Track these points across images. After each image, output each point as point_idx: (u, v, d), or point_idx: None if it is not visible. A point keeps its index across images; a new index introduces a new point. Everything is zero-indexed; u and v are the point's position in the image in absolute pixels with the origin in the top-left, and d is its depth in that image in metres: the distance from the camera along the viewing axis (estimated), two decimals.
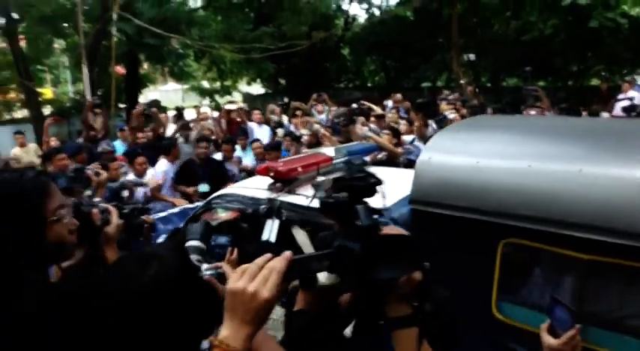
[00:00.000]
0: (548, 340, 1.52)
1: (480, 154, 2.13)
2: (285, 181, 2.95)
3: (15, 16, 13.18)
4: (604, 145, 1.98)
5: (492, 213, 1.91)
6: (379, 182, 1.17)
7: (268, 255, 0.95)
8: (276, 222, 2.78)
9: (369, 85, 22.13)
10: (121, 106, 15.88)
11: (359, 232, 1.04)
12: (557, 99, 10.78)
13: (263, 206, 2.84)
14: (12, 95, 18.08)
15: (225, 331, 0.90)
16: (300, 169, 2.97)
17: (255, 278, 0.91)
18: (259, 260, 0.94)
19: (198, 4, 17.23)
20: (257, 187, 3.04)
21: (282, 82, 20.63)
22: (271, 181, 3.00)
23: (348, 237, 1.04)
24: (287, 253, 0.95)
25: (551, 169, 1.83)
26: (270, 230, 2.78)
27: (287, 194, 2.84)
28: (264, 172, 3.13)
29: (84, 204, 1.76)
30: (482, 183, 1.98)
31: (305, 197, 2.71)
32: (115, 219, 1.74)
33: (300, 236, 2.49)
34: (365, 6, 20.02)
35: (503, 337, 1.89)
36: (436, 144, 2.43)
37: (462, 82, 12.23)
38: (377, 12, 20.17)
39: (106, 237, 1.72)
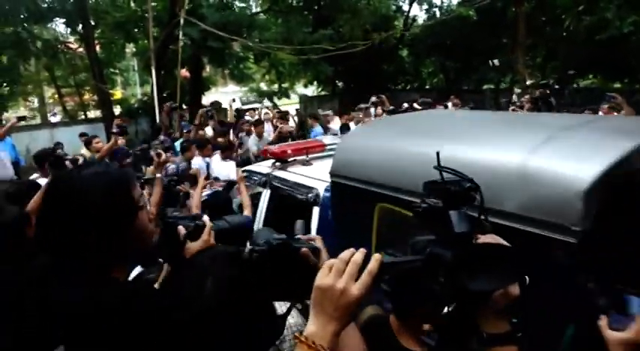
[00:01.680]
0: (614, 335, 1.48)
1: (371, 140, 2.80)
2: (280, 160, 3.89)
3: (91, 22, 14.10)
4: (456, 133, 2.47)
5: (372, 183, 2.48)
6: (475, 187, 1.08)
7: (352, 250, 0.93)
8: (268, 192, 3.67)
9: (427, 87, 21.65)
10: (184, 107, 16.56)
11: (452, 240, 0.98)
12: (634, 102, 9.98)
13: (260, 178, 3.83)
14: (87, 96, 19.40)
15: (311, 327, 0.89)
16: (289, 152, 3.95)
17: (342, 274, 0.90)
18: (344, 255, 0.92)
19: (259, 8, 17.64)
20: (266, 166, 4.01)
21: (340, 84, 20.64)
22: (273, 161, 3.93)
23: (440, 244, 0.99)
24: (377, 255, 0.93)
25: (411, 150, 2.37)
26: (264, 199, 3.70)
27: (280, 170, 3.76)
28: (265, 154, 4.37)
29: (170, 216, 1.56)
30: (368, 161, 2.59)
31: (294, 173, 3.60)
32: (206, 234, 1.48)
33: (299, 225, 2.88)
34: (425, 6, 19.60)
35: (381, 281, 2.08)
36: (350, 133, 3.44)
37: (527, 82, 11.65)
38: (437, 12, 19.69)
39: (188, 253, 1.47)
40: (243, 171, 4.05)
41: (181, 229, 1.49)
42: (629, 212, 1.72)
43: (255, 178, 3.94)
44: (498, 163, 1.92)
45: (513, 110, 7.92)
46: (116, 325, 1.09)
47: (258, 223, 3.64)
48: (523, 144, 1.93)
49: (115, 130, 4.59)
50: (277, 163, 3.89)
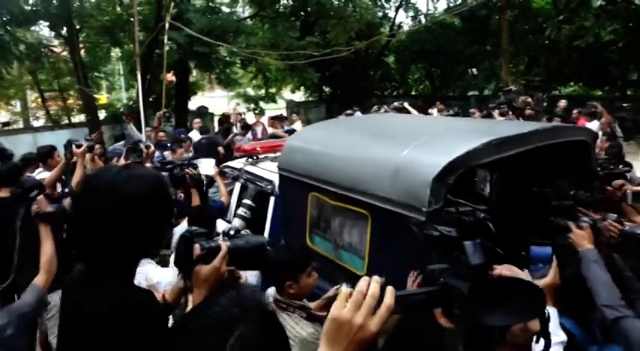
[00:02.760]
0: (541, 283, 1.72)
1: (309, 140, 3.33)
2: (250, 157, 4.45)
3: (76, 26, 13.96)
4: (369, 137, 2.94)
5: (307, 176, 2.95)
6: (488, 219, 1.08)
7: (366, 279, 0.90)
8: (239, 184, 4.20)
9: (413, 93, 21.85)
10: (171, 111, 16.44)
11: (467, 272, 0.96)
12: (614, 109, 10.20)
13: (234, 173, 4.37)
14: (70, 101, 19.15)
15: None
16: (259, 149, 4.57)
17: (360, 308, 0.87)
18: (361, 287, 0.89)
19: (246, 13, 17.65)
20: (241, 162, 4.54)
21: (326, 90, 20.72)
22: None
23: (455, 275, 0.96)
24: (390, 288, 0.90)
25: (336, 152, 2.86)
26: (235, 191, 4.22)
27: (251, 165, 4.26)
28: (238, 151, 5.13)
29: (190, 231, 1.49)
30: (305, 157, 3.07)
31: (259, 168, 4.12)
32: (217, 261, 1.40)
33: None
34: (411, 13, 19.83)
35: (314, 261, 2.49)
36: (296, 133, 4.35)
37: (512, 87, 11.81)
38: (423, 19, 19.93)
39: (197, 277, 1.39)
40: (223, 167, 4.67)
41: (196, 249, 1.43)
42: (470, 195, 2.25)
43: (230, 172, 4.51)
44: (383, 157, 2.43)
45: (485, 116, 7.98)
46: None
47: (230, 213, 4.17)
48: (408, 143, 2.40)
49: (76, 145, 3.84)
50: (249, 160, 4.42)
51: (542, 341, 1.04)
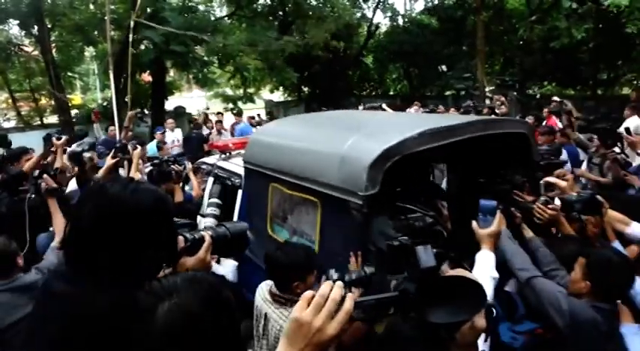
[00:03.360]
0: (482, 231, 2.05)
1: (270, 134, 3.54)
2: (223, 153, 4.63)
3: (47, 25, 13.61)
4: (322, 130, 3.17)
5: (268, 168, 3.13)
6: (437, 223, 1.12)
7: (329, 284, 0.92)
8: (211, 179, 4.34)
9: (391, 93, 22.02)
10: (146, 112, 16.18)
11: (418, 275, 1.00)
12: (585, 108, 10.48)
13: (207, 168, 4.59)
14: (43, 101, 18.66)
15: None
16: (231, 145, 4.74)
17: (321, 311, 0.89)
18: (324, 290, 0.91)
19: (224, 12, 17.51)
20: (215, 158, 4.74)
21: (305, 89, 20.72)
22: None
23: (410, 280, 1.00)
24: (351, 295, 0.93)
25: (292, 145, 3.04)
26: (208, 185, 4.37)
27: (224, 161, 4.45)
28: (211, 147, 5.75)
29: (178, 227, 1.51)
30: (266, 150, 3.26)
31: (230, 163, 4.32)
32: (202, 252, 1.45)
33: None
34: (389, 14, 19.96)
35: (273, 249, 2.58)
36: (260, 128, 4.36)
37: (486, 89, 12.03)
38: (400, 20, 20.10)
39: (182, 268, 1.42)
40: (198, 163, 4.93)
41: (180, 241, 1.44)
42: (405, 180, 2.52)
43: (204, 167, 4.73)
44: (331, 148, 2.63)
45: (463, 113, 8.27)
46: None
47: (204, 206, 4.33)
48: (353, 134, 2.61)
49: (57, 137, 4.37)
50: (223, 155, 4.60)
51: (489, 340, 1.07)
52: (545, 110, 7.95)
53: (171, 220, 1.36)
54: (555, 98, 7.63)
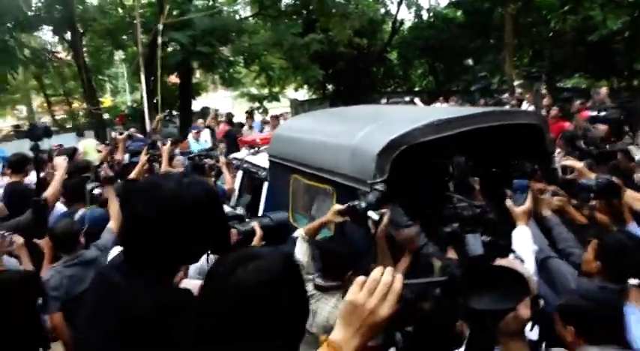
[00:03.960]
0: (517, 209, 2.17)
1: (292, 129, 3.76)
2: (252, 148, 4.87)
3: (79, 30, 14.04)
4: (338, 123, 3.37)
5: (289, 160, 3.35)
6: (486, 212, 1.14)
7: (380, 268, 0.97)
8: (241, 172, 4.61)
9: (417, 89, 21.77)
10: (174, 113, 16.51)
11: (467, 262, 1.03)
12: (620, 99, 10.13)
13: (237, 162, 4.83)
14: (75, 105, 19.28)
15: (338, 335, 0.95)
16: (259, 141, 5.04)
17: (373, 294, 0.95)
18: (375, 274, 0.96)
19: (248, 12, 17.67)
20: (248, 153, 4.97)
21: (330, 87, 20.70)
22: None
23: (459, 266, 1.05)
24: (399, 276, 0.98)
25: (310, 139, 3.21)
26: (238, 178, 4.63)
27: (253, 155, 4.66)
28: (241, 142, 5.98)
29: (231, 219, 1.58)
30: (288, 144, 3.48)
31: (257, 157, 4.49)
32: (256, 243, 1.57)
33: None
34: (413, 9, 19.73)
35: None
36: (283, 123, 4.70)
37: (514, 83, 11.71)
38: (425, 15, 19.83)
39: None
40: (230, 158, 5.14)
41: (234, 234, 1.55)
42: (411, 169, 2.59)
43: (235, 162, 4.94)
44: (345, 140, 2.76)
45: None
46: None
47: (235, 198, 4.63)
48: (365, 126, 2.74)
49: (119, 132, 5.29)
50: (252, 150, 4.83)
51: (536, 328, 1.08)
52: (578, 102, 7.72)
53: (222, 211, 1.41)
54: (598, 90, 7.36)
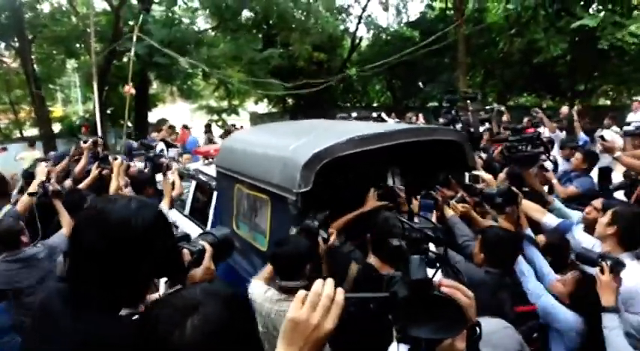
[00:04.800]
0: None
1: (236, 141, 3.93)
2: (206, 158, 5.23)
3: (28, 36, 13.45)
4: (276, 137, 3.53)
5: (233, 171, 3.52)
6: (437, 237, 1.15)
7: (320, 281, 0.94)
8: (194, 182, 4.97)
9: (374, 104, 22.23)
10: (129, 124, 16.04)
11: (409, 284, 1.01)
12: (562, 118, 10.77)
13: (190, 172, 5.18)
14: (22, 114, 18.36)
15: None
16: (212, 152, 5.44)
17: (316, 308, 0.91)
18: (317, 288, 0.93)
19: (207, 25, 17.54)
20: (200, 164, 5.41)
21: (290, 101, 20.78)
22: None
23: (404, 284, 1.01)
24: (341, 290, 0.95)
25: (256, 151, 3.31)
26: (191, 188, 4.96)
27: (206, 166, 5.01)
28: (196, 153, 7.02)
29: (179, 241, 1.56)
30: (233, 155, 3.63)
31: (209, 168, 4.81)
32: (207, 261, 1.53)
33: None
34: (372, 29, 20.24)
35: (240, 244, 3.16)
36: (230, 136, 4.70)
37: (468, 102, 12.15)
38: (383, 34, 20.37)
39: (192, 280, 1.49)
40: (184, 167, 5.40)
41: (186, 255, 1.49)
42: (333, 179, 2.82)
43: (187, 172, 5.22)
44: (278, 152, 2.98)
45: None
46: None
47: (187, 208, 4.95)
48: (297, 140, 2.98)
49: (83, 140, 5.06)
50: (206, 161, 5.02)
51: None
52: (526, 120, 8.14)
53: (172, 233, 1.37)
54: (537, 110, 7.81)
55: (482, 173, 3.13)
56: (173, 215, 4.34)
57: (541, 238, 2.84)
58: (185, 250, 1.50)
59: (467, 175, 3.41)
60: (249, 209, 3.36)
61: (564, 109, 8.66)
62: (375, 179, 3.23)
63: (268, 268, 2.49)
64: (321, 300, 0.92)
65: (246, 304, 1.04)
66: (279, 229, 2.84)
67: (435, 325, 0.97)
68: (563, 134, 6.73)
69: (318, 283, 0.94)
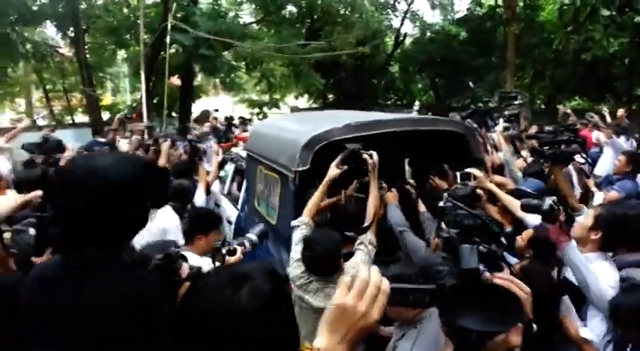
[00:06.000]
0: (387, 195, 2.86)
1: (262, 127, 4.54)
2: (245, 143, 5.57)
3: (82, 26, 14.01)
4: (301, 124, 3.73)
5: (257, 153, 3.90)
6: (488, 223, 1.08)
7: (365, 268, 0.91)
8: (233, 165, 5.49)
9: (416, 103, 21.85)
10: (174, 114, 16.45)
11: (459, 274, 0.97)
12: (617, 123, 10.15)
13: (230, 156, 5.72)
14: (74, 101, 19.21)
15: (323, 342, 0.88)
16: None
17: (364, 296, 0.88)
18: (364, 275, 0.89)
19: (252, 18, 17.72)
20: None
21: (330, 97, 20.74)
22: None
23: (452, 276, 0.98)
24: (386, 281, 0.92)
25: (273, 134, 3.73)
26: (230, 169, 5.55)
27: (242, 150, 5.24)
28: (236, 139, 8.27)
29: (175, 257, 1.60)
30: (258, 139, 4.05)
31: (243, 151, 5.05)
32: (239, 254, 1.73)
33: None
34: (417, 24, 19.87)
35: (259, 220, 3.56)
36: (258, 123, 7.87)
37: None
38: (428, 30, 19.96)
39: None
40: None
41: (185, 269, 1.55)
42: (326, 158, 2.93)
43: (228, 156, 5.71)
44: (288, 136, 3.33)
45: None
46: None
47: (225, 188, 5.41)
48: (305, 126, 3.33)
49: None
50: (244, 145, 5.35)
51: None
52: (578, 123, 7.71)
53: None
54: (592, 114, 7.34)
55: (474, 170, 3.03)
56: (217, 196, 4.64)
57: (529, 232, 2.72)
58: (185, 265, 1.54)
59: (457, 173, 3.41)
60: (266, 187, 3.70)
61: (620, 113, 8.19)
62: (390, 170, 3.28)
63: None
64: (369, 288, 0.88)
65: (285, 284, 1.10)
66: (284, 204, 3.20)
67: (487, 316, 0.91)
68: (621, 139, 6.32)
69: (364, 270, 0.90)
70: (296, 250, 2.52)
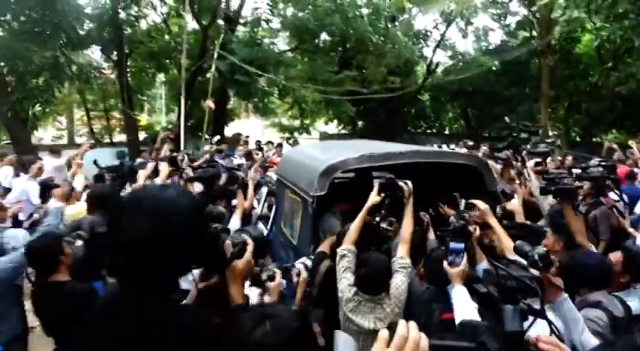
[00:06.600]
0: (453, 270, 2.34)
1: (292, 153, 4.91)
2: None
3: (125, 51, 14.66)
4: (324, 152, 4.00)
5: (285, 179, 4.17)
6: (531, 286, 1.08)
7: (404, 324, 0.92)
8: (265, 188, 5.74)
9: (447, 132, 21.72)
10: (207, 137, 16.85)
11: (503, 335, 0.98)
12: None
13: (262, 179, 6.11)
14: (113, 121, 19.93)
15: None
16: None
17: None
18: (402, 331, 0.91)
19: (287, 46, 18.16)
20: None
21: (360, 123, 20.86)
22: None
23: (493, 335, 0.97)
24: (423, 334, 0.93)
25: (299, 160, 4.06)
26: (263, 192, 5.72)
27: (274, 174, 5.60)
28: (272, 163, 7.57)
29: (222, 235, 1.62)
30: (287, 165, 4.43)
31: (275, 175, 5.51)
32: (249, 254, 1.57)
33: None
34: (449, 53, 19.95)
35: (288, 244, 3.82)
36: (290, 149, 7.55)
37: (549, 133, 11.52)
38: (460, 61, 19.97)
39: (233, 271, 1.53)
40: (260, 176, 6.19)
41: (228, 246, 1.55)
42: (344, 186, 3.52)
43: (261, 178, 6.08)
44: (310, 164, 3.62)
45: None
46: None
47: (258, 209, 5.46)
48: (326, 155, 3.60)
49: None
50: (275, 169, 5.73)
51: None
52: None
53: (207, 223, 1.47)
54: (633, 151, 7.12)
55: (478, 202, 2.99)
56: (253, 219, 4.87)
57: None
58: (228, 242, 1.54)
59: (463, 201, 3.45)
60: (290, 210, 3.96)
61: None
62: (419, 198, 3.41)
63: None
64: (408, 344, 0.89)
65: (310, 324, 1.19)
66: (304, 227, 3.44)
67: None
68: None
69: (402, 326, 0.91)
70: (346, 277, 2.68)
